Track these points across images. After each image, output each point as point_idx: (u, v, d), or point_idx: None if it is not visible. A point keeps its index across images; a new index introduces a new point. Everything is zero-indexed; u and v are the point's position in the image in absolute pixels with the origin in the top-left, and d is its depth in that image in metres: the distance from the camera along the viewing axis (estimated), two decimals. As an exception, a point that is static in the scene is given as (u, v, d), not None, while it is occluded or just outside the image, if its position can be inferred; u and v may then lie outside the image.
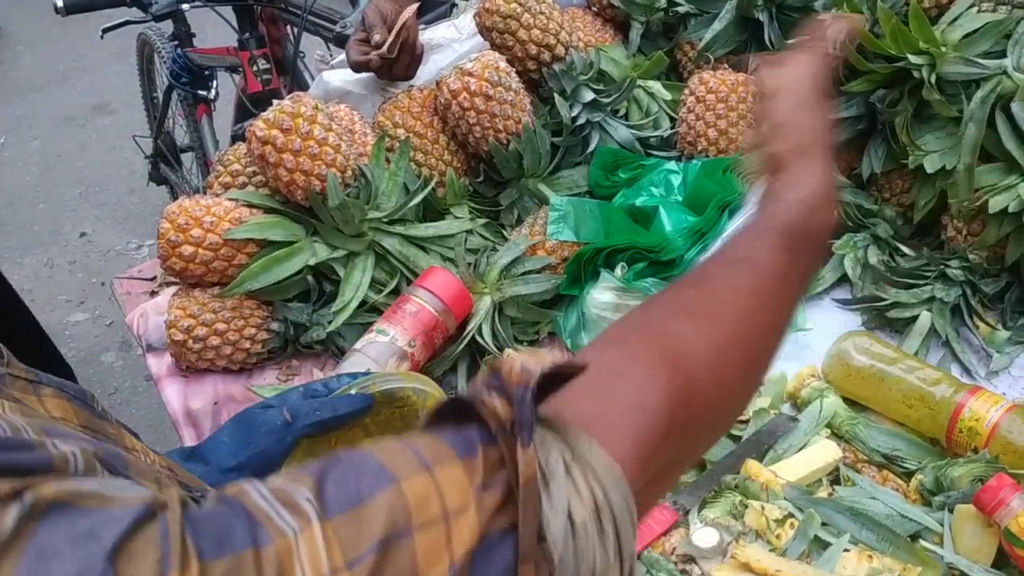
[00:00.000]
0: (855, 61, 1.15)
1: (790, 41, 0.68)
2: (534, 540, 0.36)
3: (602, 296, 1.12)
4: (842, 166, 1.30)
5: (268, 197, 1.19)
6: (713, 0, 1.36)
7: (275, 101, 1.14)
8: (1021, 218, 1.06)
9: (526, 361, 0.39)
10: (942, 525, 0.89)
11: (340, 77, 1.40)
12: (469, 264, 1.18)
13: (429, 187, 1.23)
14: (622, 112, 1.36)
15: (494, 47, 1.31)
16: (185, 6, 2.09)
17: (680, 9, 1.40)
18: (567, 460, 0.38)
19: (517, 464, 0.36)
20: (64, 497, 0.31)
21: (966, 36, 1.12)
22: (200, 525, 0.33)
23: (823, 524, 0.89)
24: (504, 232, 1.27)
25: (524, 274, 1.18)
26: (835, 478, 0.97)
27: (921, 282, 1.14)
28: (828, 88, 0.68)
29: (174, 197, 2.86)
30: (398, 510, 0.34)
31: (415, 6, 1.31)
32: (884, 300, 1.14)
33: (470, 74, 1.21)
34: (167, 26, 2.41)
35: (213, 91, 2.41)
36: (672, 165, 1.29)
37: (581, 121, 1.30)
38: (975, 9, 1.15)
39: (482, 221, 1.28)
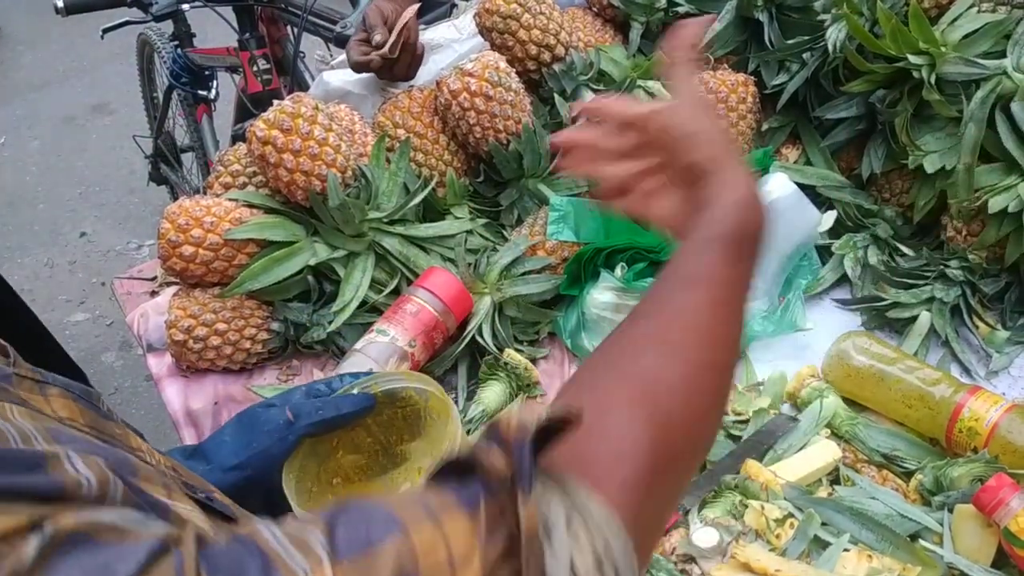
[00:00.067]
0: (855, 61, 1.15)
1: (659, 53, 0.67)
2: None
3: (602, 296, 1.13)
4: (842, 166, 1.31)
5: (268, 197, 1.19)
6: (713, 0, 1.36)
7: (275, 101, 1.14)
8: (1021, 218, 1.06)
9: (523, 414, 0.40)
10: (942, 525, 0.89)
11: (340, 77, 1.40)
12: (469, 264, 1.19)
13: (429, 187, 1.23)
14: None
15: (494, 47, 1.31)
16: (185, 6, 2.09)
17: (680, 9, 1.40)
18: (567, 510, 0.39)
19: (519, 515, 0.37)
20: (83, 528, 0.31)
21: (966, 36, 1.12)
22: (214, 561, 0.33)
23: (823, 524, 0.89)
24: (504, 232, 1.28)
25: (524, 274, 1.18)
26: (835, 478, 0.97)
27: (921, 282, 1.14)
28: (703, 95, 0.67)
29: (174, 197, 2.86)
30: (405, 555, 0.35)
31: (416, 7, 1.32)
32: (884, 300, 1.14)
33: (470, 74, 1.21)
34: (167, 26, 2.41)
35: (213, 91, 2.41)
36: (672, 165, 1.29)
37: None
38: (975, 9, 1.15)
39: (482, 221, 1.28)
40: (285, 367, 1.20)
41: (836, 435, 1.01)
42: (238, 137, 2.14)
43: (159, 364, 1.21)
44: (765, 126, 1.33)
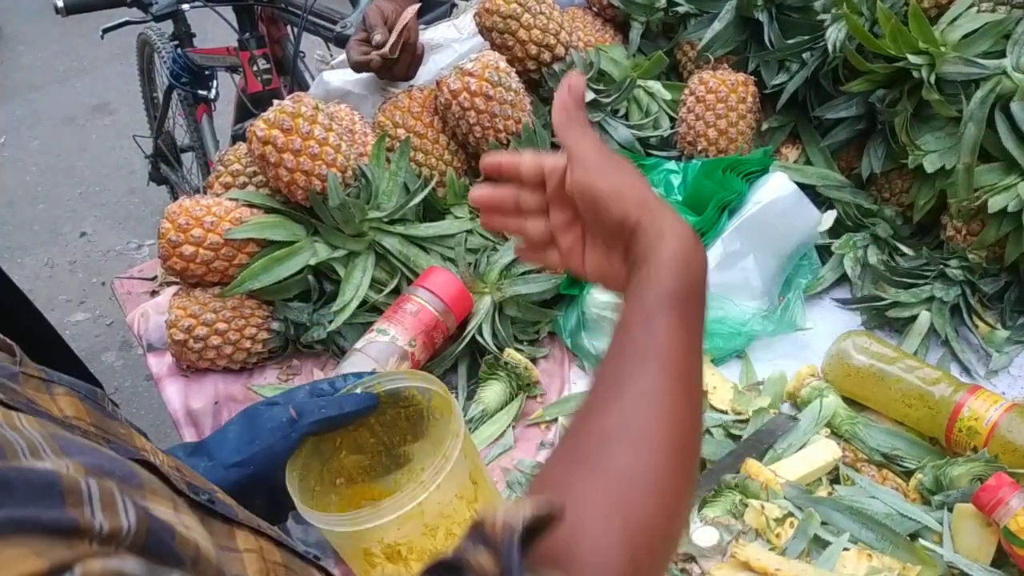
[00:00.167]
0: (855, 61, 1.16)
1: (553, 120, 0.64)
2: None
3: (602, 296, 1.13)
4: (842, 166, 1.31)
5: (268, 197, 1.19)
6: (713, 0, 1.36)
7: (275, 101, 1.15)
8: (1020, 218, 1.06)
9: (508, 513, 0.40)
10: (941, 524, 0.89)
11: (340, 77, 1.40)
12: (469, 264, 1.19)
13: (429, 187, 1.23)
14: (622, 112, 1.37)
15: (494, 47, 1.31)
16: (185, 6, 2.09)
17: (680, 9, 1.40)
18: None
19: None
20: None
21: (965, 36, 1.12)
22: None
23: (823, 523, 0.89)
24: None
25: (524, 274, 1.18)
26: (835, 477, 0.97)
27: (920, 282, 1.14)
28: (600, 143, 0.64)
29: (174, 197, 2.86)
30: None
31: (416, 6, 1.32)
32: (884, 300, 1.14)
33: (470, 74, 1.21)
34: (167, 26, 2.41)
35: (213, 91, 2.41)
36: (672, 165, 1.29)
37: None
38: (975, 9, 1.15)
39: (482, 221, 1.28)
40: (285, 367, 1.20)
41: (836, 434, 1.01)
42: (238, 137, 2.14)
43: (159, 364, 1.21)
44: (765, 126, 1.33)
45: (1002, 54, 1.10)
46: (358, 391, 0.80)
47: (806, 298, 1.20)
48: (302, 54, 2.13)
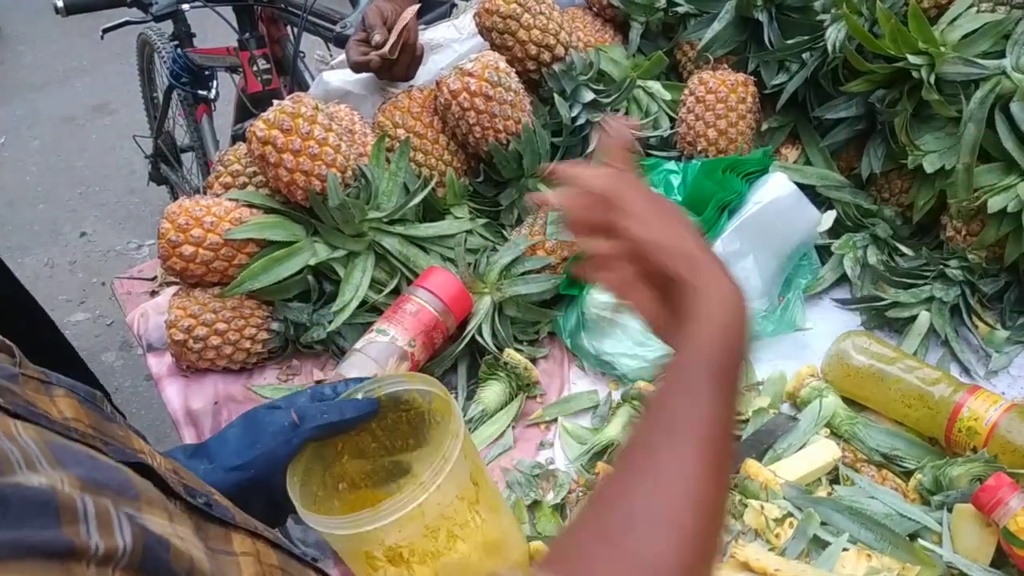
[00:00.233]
0: (855, 61, 1.16)
1: (593, 153, 0.62)
2: None
3: (602, 296, 1.13)
4: (842, 166, 1.31)
5: (268, 197, 1.19)
6: (713, 0, 1.36)
7: (275, 101, 1.15)
8: (1020, 218, 1.06)
9: None
10: (941, 524, 0.89)
11: (340, 77, 1.40)
12: (469, 264, 1.19)
13: (429, 187, 1.23)
14: (622, 112, 1.37)
15: (494, 47, 1.31)
16: (185, 6, 2.10)
17: (680, 9, 1.40)
18: None
19: None
20: None
21: (965, 36, 1.12)
22: None
23: (822, 523, 0.89)
24: (504, 232, 1.28)
25: (524, 274, 1.18)
26: (834, 477, 0.97)
27: (920, 282, 1.14)
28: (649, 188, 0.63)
29: (174, 197, 2.87)
30: None
31: (415, 7, 1.32)
32: (883, 300, 1.14)
33: (470, 74, 1.21)
34: (167, 26, 2.41)
35: (213, 91, 2.41)
36: (672, 165, 1.29)
37: (581, 121, 1.30)
38: (974, 9, 1.15)
39: (482, 221, 1.28)
40: (285, 367, 1.20)
41: (835, 435, 1.01)
42: (238, 137, 2.15)
43: (159, 364, 1.21)
44: (765, 126, 1.33)
45: (1002, 54, 1.10)
46: (359, 396, 0.80)
47: (806, 298, 1.20)
48: (302, 54, 2.13)
